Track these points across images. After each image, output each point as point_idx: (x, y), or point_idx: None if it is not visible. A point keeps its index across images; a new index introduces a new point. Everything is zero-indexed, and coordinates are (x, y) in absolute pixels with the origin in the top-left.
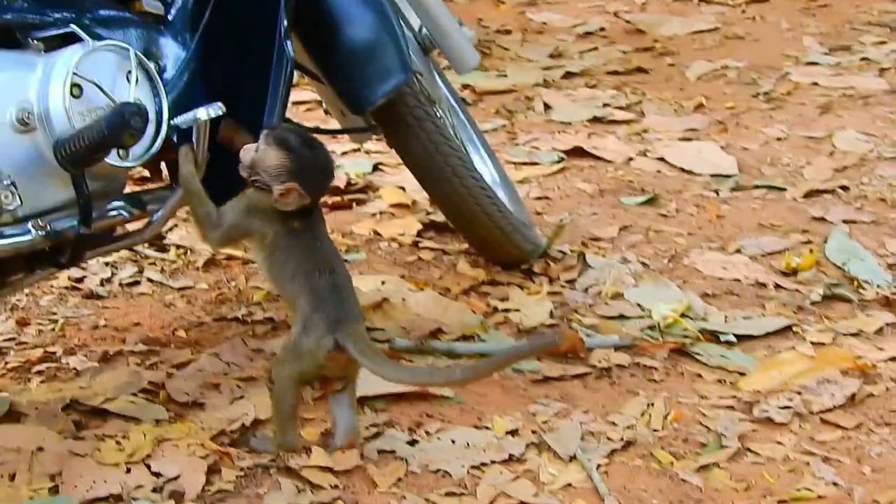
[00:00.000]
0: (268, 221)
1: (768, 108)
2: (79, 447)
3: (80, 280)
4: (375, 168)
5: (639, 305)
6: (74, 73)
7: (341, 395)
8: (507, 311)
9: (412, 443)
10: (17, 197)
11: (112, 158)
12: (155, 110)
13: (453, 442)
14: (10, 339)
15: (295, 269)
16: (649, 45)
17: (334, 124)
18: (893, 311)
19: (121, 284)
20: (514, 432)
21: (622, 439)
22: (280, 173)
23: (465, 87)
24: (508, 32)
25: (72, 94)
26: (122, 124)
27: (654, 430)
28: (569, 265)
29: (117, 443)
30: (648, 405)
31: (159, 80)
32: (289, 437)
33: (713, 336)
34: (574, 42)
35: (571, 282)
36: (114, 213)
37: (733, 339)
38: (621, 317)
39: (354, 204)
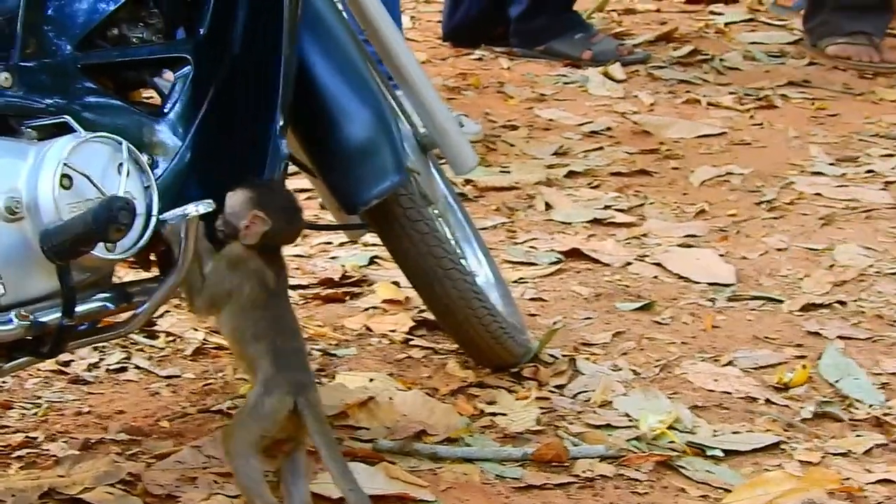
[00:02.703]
0: (246, 277)
1: (770, 218)
2: None
3: (67, 364)
4: (371, 261)
5: (627, 415)
6: (65, 164)
7: (293, 464)
8: (493, 414)
9: None
10: (1, 286)
11: (99, 251)
12: (145, 203)
13: None
14: None
15: (263, 329)
16: (655, 147)
17: (330, 218)
18: (884, 432)
19: (108, 370)
20: None
21: None
22: (244, 208)
23: (468, 182)
24: (515, 128)
25: (61, 185)
26: (108, 218)
27: None
28: (559, 370)
29: None
30: None
31: (150, 174)
32: (263, 500)
33: (700, 450)
34: (580, 140)
35: (561, 387)
36: (98, 304)
37: (720, 453)
38: (608, 426)
39: (348, 297)
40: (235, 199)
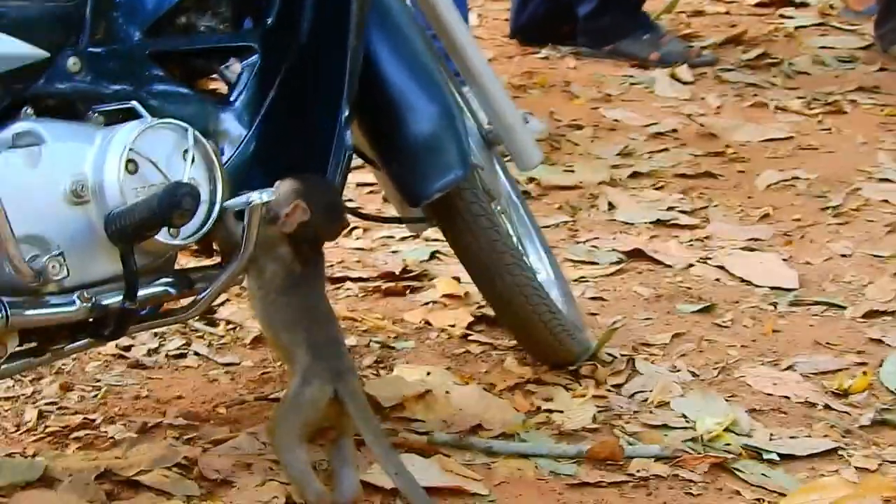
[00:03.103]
0: (269, 257)
1: (836, 223)
2: None
3: (127, 349)
4: (433, 256)
5: (684, 416)
6: (131, 149)
7: (341, 452)
8: (549, 411)
9: None
10: (65, 268)
11: (162, 236)
12: (209, 190)
13: None
14: (51, 403)
15: (293, 318)
16: (721, 150)
17: (393, 211)
18: None
19: (167, 356)
20: None
21: None
22: (288, 197)
23: (531, 180)
24: (580, 128)
25: (127, 169)
26: (173, 204)
27: None
28: (617, 370)
29: None
30: None
31: (216, 161)
32: (312, 489)
33: (756, 453)
34: (645, 142)
35: (618, 387)
36: (160, 289)
37: (776, 457)
38: (665, 426)
39: (408, 291)
40: (283, 187)
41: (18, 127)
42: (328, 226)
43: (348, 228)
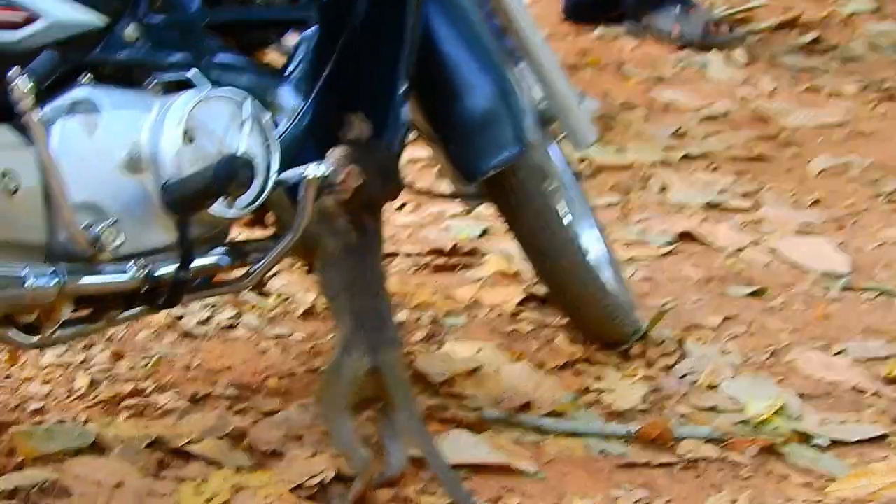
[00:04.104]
0: (330, 232)
1: (888, 210)
2: (158, 486)
3: (178, 318)
4: (484, 233)
5: (733, 399)
6: (188, 119)
7: (391, 425)
8: (599, 391)
9: None
10: (120, 236)
11: (217, 207)
12: (265, 162)
13: None
14: (103, 371)
15: (340, 286)
16: (774, 133)
17: (446, 186)
18: None
19: (218, 326)
20: None
21: None
22: (341, 163)
23: (583, 160)
24: (633, 108)
25: (184, 139)
26: (229, 175)
27: None
28: (667, 351)
29: (197, 486)
30: (732, 502)
31: (272, 133)
32: (356, 456)
33: (805, 438)
34: (698, 124)
35: (668, 368)
36: (214, 260)
37: (825, 442)
38: (714, 409)
39: (459, 268)
40: (335, 153)
41: (76, 94)
42: (382, 189)
43: (400, 204)
